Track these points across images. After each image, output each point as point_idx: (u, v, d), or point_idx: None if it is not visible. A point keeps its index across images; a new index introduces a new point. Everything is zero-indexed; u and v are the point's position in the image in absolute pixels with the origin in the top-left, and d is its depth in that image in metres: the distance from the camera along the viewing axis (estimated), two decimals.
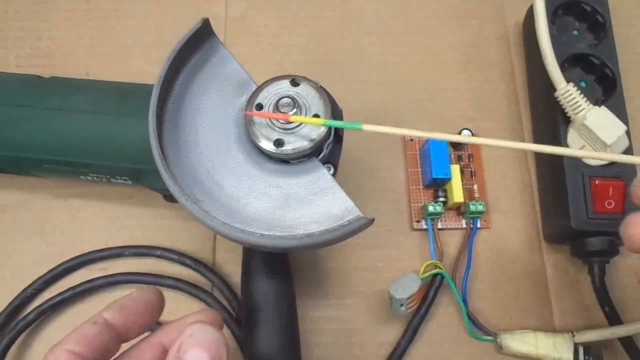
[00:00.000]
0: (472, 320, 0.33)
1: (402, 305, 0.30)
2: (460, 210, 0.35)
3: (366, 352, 0.32)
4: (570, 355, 0.31)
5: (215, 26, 0.27)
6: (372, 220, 0.23)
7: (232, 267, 0.34)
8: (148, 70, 0.38)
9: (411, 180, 0.36)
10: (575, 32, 0.36)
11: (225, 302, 0.32)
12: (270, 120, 0.25)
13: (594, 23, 0.35)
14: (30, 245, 0.34)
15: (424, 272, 0.32)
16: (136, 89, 0.30)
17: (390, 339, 0.33)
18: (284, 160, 0.25)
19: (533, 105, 0.37)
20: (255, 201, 0.25)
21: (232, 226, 0.23)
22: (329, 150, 0.26)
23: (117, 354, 0.21)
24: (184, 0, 0.40)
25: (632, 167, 0.32)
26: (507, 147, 0.20)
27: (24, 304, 0.32)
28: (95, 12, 0.40)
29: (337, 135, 0.27)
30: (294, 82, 0.25)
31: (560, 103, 0.32)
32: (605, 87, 0.34)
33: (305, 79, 0.26)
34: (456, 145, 0.36)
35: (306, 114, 0.25)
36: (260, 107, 0.25)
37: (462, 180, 0.34)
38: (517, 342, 0.31)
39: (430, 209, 0.33)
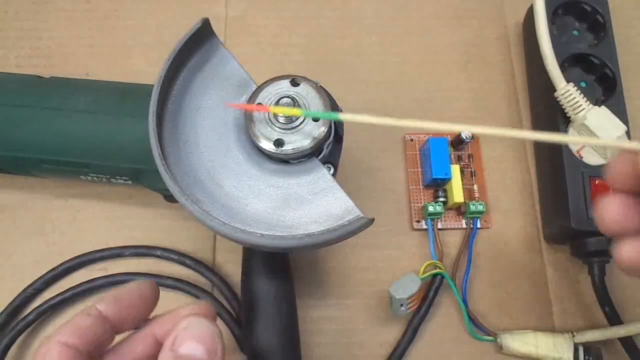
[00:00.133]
0: (472, 320, 0.33)
1: (402, 305, 0.30)
2: (460, 210, 0.35)
3: (366, 352, 0.32)
4: (570, 355, 0.31)
5: (215, 26, 0.27)
6: (372, 220, 0.23)
7: (232, 267, 0.34)
8: (148, 70, 0.38)
9: (411, 180, 0.36)
10: (575, 32, 0.36)
11: (225, 302, 0.32)
12: (270, 120, 0.25)
13: (594, 23, 0.35)
14: (30, 245, 0.34)
15: (424, 272, 0.32)
16: (136, 89, 0.30)
17: (390, 339, 0.33)
18: (284, 160, 0.25)
19: (533, 105, 0.37)
20: (255, 201, 0.25)
21: (232, 226, 0.23)
22: (329, 150, 0.26)
23: (110, 346, 0.21)
24: (184, 0, 0.40)
25: None
26: (493, 135, 0.19)
27: (24, 304, 0.32)
28: (95, 12, 0.40)
29: (337, 135, 0.27)
30: (294, 82, 0.25)
31: (560, 103, 0.32)
32: (605, 87, 0.34)
33: (305, 79, 0.26)
34: (456, 145, 0.36)
35: None
36: None
37: (462, 180, 0.34)
38: (517, 342, 0.31)
39: (430, 209, 0.33)
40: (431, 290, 0.33)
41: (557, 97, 0.32)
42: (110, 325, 0.20)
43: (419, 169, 0.36)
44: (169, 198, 0.33)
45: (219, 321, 0.31)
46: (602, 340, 0.31)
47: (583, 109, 0.32)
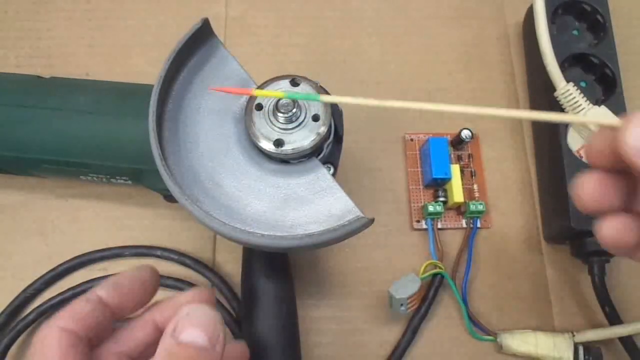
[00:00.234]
0: (472, 320, 0.33)
1: (402, 305, 0.30)
2: (460, 210, 0.35)
3: (366, 352, 0.32)
4: (570, 355, 0.31)
5: (215, 26, 0.27)
6: (372, 220, 0.23)
7: (232, 267, 0.34)
8: (148, 70, 0.38)
9: (411, 180, 0.36)
10: (575, 32, 0.36)
11: (225, 302, 0.32)
12: (270, 120, 0.25)
13: (594, 23, 0.35)
14: (30, 245, 0.34)
15: (424, 272, 0.32)
16: (136, 89, 0.30)
17: (390, 339, 0.33)
18: (284, 160, 0.25)
19: (533, 105, 0.37)
20: (255, 201, 0.25)
21: (232, 226, 0.23)
22: (328, 150, 0.26)
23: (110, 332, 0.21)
24: (184, 0, 0.40)
25: None
26: (492, 116, 0.19)
27: (24, 304, 0.32)
28: (95, 12, 0.40)
29: (337, 135, 0.27)
30: (294, 82, 0.25)
31: (560, 103, 0.32)
32: (605, 87, 0.34)
33: (305, 79, 0.26)
34: (456, 145, 0.36)
35: (306, 114, 0.25)
36: (260, 106, 0.25)
37: (462, 180, 0.34)
38: (517, 342, 0.31)
39: (430, 208, 0.33)
40: (431, 290, 0.33)
41: (557, 97, 0.32)
42: (110, 311, 0.20)
43: (419, 169, 0.36)
44: (169, 198, 0.33)
45: None
46: (602, 340, 0.31)
47: (583, 109, 0.32)
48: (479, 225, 0.35)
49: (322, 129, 0.25)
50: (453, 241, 0.35)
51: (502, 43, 0.40)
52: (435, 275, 0.33)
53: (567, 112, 0.32)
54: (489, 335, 0.32)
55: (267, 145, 0.24)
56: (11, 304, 0.32)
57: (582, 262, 0.33)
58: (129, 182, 0.31)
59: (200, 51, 0.27)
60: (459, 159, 0.36)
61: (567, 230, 0.31)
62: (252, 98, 0.25)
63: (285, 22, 0.40)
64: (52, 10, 0.40)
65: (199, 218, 0.23)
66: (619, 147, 0.17)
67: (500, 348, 0.32)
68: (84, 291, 0.32)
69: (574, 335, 0.31)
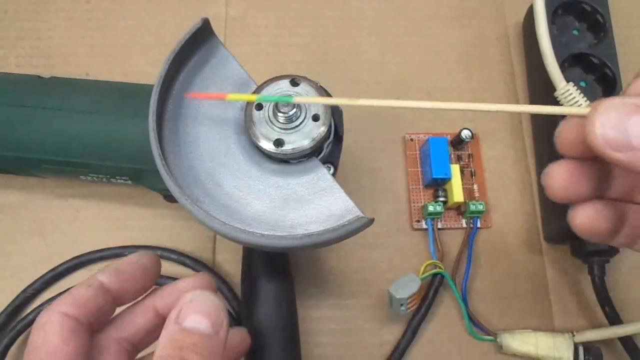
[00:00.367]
0: (472, 320, 0.33)
1: (402, 305, 0.30)
2: (460, 210, 0.35)
3: (366, 352, 0.32)
4: (570, 355, 0.31)
5: (215, 26, 0.27)
6: (372, 220, 0.23)
7: (232, 267, 0.34)
8: (148, 70, 0.38)
9: (411, 180, 0.36)
10: (575, 32, 0.36)
11: (225, 302, 0.32)
12: (270, 120, 0.25)
13: (594, 23, 0.35)
14: (30, 245, 0.34)
15: (424, 272, 0.32)
16: (136, 89, 0.30)
17: (390, 339, 0.33)
18: (284, 160, 0.25)
19: (533, 104, 0.37)
20: (255, 201, 0.25)
21: (232, 226, 0.23)
22: (328, 150, 0.26)
23: (111, 317, 0.21)
24: (184, 0, 0.40)
25: None
26: (487, 111, 0.19)
27: (24, 304, 0.32)
28: (95, 12, 0.40)
29: (337, 135, 0.27)
30: (294, 82, 0.25)
31: (560, 102, 0.32)
32: (605, 87, 0.34)
33: (305, 78, 0.26)
34: (456, 145, 0.36)
35: (306, 114, 0.25)
36: (260, 107, 0.25)
37: (462, 180, 0.34)
38: (517, 342, 0.31)
39: (430, 208, 0.33)
40: (431, 290, 0.33)
41: (557, 97, 0.32)
42: (111, 297, 0.21)
43: (419, 169, 0.36)
44: (169, 198, 0.33)
45: None
46: (602, 340, 0.31)
47: None
48: (479, 225, 0.35)
49: (322, 129, 0.25)
50: (453, 241, 0.35)
51: (502, 43, 0.40)
52: (435, 275, 0.33)
53: None
54: (489, 335, 0.32)
55: (267, 145, 0.24)
56: (11, 304, 0.32)
57: (582, 262, 0.33)
58: (129, 182, 0.31)
59: (200, 51, 0.27)
60: (459, 159, 0.36)
61: (567, 230, 0.31)
62: None
63: (285, 22, 0.40)
64: (52, 10, 0.40)
65: (199, 218, 0.23)
66: (586, 137, 0.16)
67: (500, 348, 0.32)
68: None
69: (574, 335, 0.31)
